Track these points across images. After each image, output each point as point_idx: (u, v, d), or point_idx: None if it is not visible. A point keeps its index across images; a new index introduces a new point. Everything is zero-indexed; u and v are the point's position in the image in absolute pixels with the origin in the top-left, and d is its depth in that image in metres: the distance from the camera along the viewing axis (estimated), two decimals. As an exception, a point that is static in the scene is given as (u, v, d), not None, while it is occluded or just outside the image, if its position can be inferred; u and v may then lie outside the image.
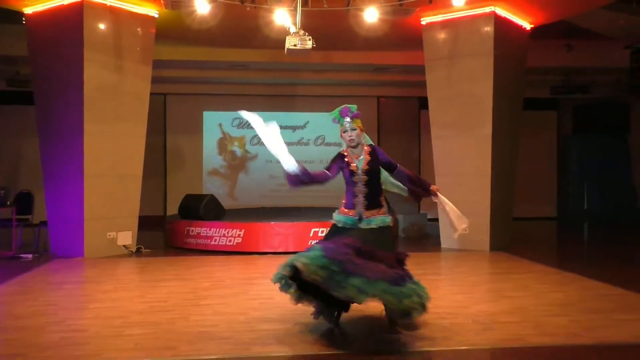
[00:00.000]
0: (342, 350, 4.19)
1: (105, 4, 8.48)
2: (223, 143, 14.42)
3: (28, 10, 8.72)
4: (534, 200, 14.45)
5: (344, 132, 4.62)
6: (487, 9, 8.86)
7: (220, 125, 14.35)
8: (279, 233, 8.90)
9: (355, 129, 4.58)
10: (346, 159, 4.58)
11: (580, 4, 8.67)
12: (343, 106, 4.71)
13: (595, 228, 13.14)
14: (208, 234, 9.16)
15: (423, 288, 4.26)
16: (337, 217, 4.65)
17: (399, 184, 4.84)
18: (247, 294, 6.10)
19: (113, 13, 8.61)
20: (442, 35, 9.45)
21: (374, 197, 4.57)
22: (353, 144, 4.59)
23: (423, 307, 4.14)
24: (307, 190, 14.00)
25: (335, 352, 4.16)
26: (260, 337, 4.49)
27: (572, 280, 6.70)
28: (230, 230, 9.02)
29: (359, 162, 4.56)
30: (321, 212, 10.84)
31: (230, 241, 8.99)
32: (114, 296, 6.02)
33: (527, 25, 9.57)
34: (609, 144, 14.64)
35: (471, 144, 9.23)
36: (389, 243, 4.62)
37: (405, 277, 4.25)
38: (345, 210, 4.60)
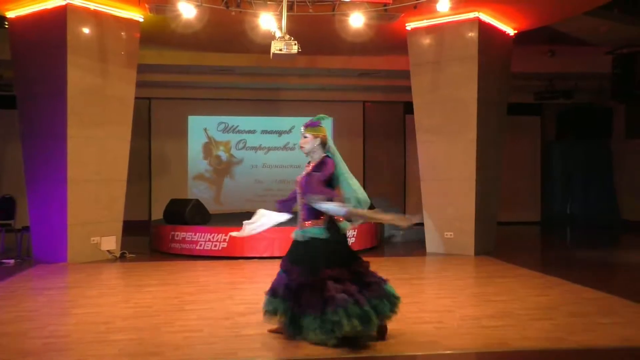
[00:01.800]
0: (326, 355, 4.18)
1: (89, 8, 8.43)
2: (208, 148, 14.37)
3: (11, 14, 8.65)
4: (517, 204, 14.57)
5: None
6: (472, 15, 8.94)
7: (205, 129, 14.30)
8: (264, 238, 8.84)
9: (306, 137, 4.54)
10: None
11: (562, 10, 8.79)
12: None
13: (578, 232, 13.28)
14: (193, 239, 9.12)
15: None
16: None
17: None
18: (233, 298, 6.07)
19: (97, 17, 8.56)
20: (427, 41, 9.51)
21: (309, 210, 4.43)
22: (303, 151, 4.58)
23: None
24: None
25: (320, 358, 4.15)
26: (246, 342, 4.47)
27: (556, 284, 6.77)
28: (216, 235, 8.98)
29: (302, 173, 4.60)
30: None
31: (215, 246, 8.96)
32: (98, 301, 5.96)
33: (511, 31, 9.67)
34: (592, 149, 14.81)
35: (456, 148, 9.29)
36: (312, 259, 4.38)
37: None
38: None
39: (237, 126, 14.38)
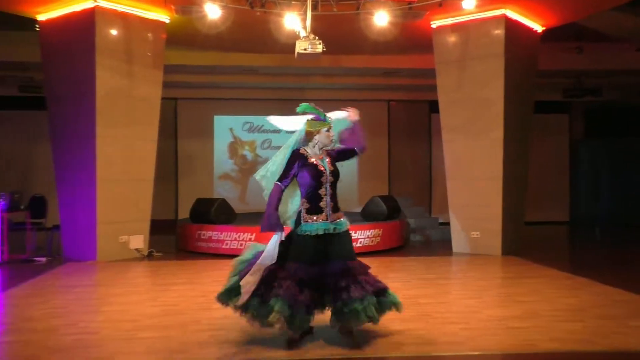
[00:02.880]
0: (352, 354, 4.18)
1: (117, 10, 8.56)
2: (234, 147, 14.46)
3: (41, 17, 8.82)
4: (545, 204, 14.37)
5: (327, 130, 4.46)
6: (498, 12, 8.84)
7: (231, 129, 14.40)
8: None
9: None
10: (310, 160, 4.38)
11: (591, 6, 8.63)
12: (314, 105, 4.58)
13: (607, 232, 13.03)
14: (219, 238, 9.19)
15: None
16: (309, 227, 4.29)
17: (295, 205, 4.51)
18: (258, 297, 6.09)
19: (124, 19, 8.68)
20: (452, 39, 9.43)
21: (336, 199, 4.42)
22: (332, 145, 4.49)
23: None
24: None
25: (345, 356, 4.15)
26: (271, 340, 4.48)
27: (585, 285, 6.65)
28: (242, 234, 9.04)
29: (324, 162, 4.40)
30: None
31: (241, 245, 8.99)
32: (126, 299, 6.05)
33: (539, 28, 9.53)
34: (621, 147, 14.53)
35: (482, 147, 9.19)
36: (352, 248, 4.47)
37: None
38: (314, 216, 4.31)
39: (262, 126, 14.44)
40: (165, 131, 11.48)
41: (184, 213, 12.29)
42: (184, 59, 11.18)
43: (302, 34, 7.67)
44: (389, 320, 4.99)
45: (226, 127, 14.39)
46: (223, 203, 9.80)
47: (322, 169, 4.36)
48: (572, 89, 13.12)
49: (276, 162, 4.46)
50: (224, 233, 9.17)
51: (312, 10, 7.72)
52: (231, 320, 5.13)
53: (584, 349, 4.32)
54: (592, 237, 12.16)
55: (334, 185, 4.42)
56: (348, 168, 14.23)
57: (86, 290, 6.63)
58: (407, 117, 14.76)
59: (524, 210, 9.95)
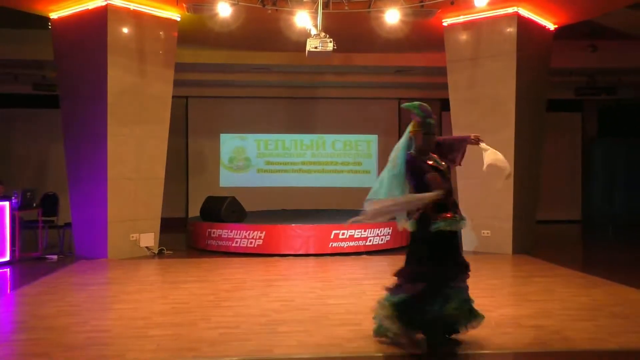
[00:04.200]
0: (363, 353, 4.17)
1: (129, 8, 8.58)
2: (244, 145, 14.46)
3: (54, 15, 8.87)
4: (558, 203, 14.25)
5: (426, 134, 4.48)
6: (510, 10, 8.77)
7: (241, 127, 14.39)
8: (299, 235, 8.90)
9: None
10: (429, 162, 4.39)
11: (604, 4, 8.53)
12: (421, 104, 4.45)
13: (620, 232, 12.90)
14: (229, 236, 9.21)
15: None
16: (444, 223, 4.20)
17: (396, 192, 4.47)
18: (268, 296, 6.11)
19: (136, 17, 8.71)
20: (463, 37, 9.38)
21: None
22: (433, 149, 4.44)
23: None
24: (328, 193, 14.05)
25: (357, 355, 4.14)
26: (282, 339, 4.49)
27: (598, 285, 6.59)
28: (252, 232, 9.05)
29: (439, 161, 4.44)
30: (341, 214, 10.82)
31: (251, 243, 9.02)
32: (137, 297, 6.07)
33: (551, 26, 9.46)
34: (635, 146, 14.39)
35: (494, 146, 9.02)
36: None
37: None
38: (447, 215, 4.24)
39: (274, 124, 14.44)
40: (176, 129, 11.51)
41: (194, 211, 12.33)
42: (195, 57, 11.20)
43: (313, 32, 7.66)
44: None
45: (237, 125, 14.37)
46: (233, 201, 9.81)
47: (443, 168, 4.45)
48: (585, 87, 13.00)
49: (384, 179, 4.41)
50: (234, 231, 9.18)
51: (324, 8, 7.72)
52: (241, 318, 5.14)
53: (597, 347, 4.29)
54: (605, 236, 12.05)
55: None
56: (359, 166, 14.26)
57: (98, 288, 6.66)
58: (418, 115, 14.69)
59: (536, 209, 9.88)
